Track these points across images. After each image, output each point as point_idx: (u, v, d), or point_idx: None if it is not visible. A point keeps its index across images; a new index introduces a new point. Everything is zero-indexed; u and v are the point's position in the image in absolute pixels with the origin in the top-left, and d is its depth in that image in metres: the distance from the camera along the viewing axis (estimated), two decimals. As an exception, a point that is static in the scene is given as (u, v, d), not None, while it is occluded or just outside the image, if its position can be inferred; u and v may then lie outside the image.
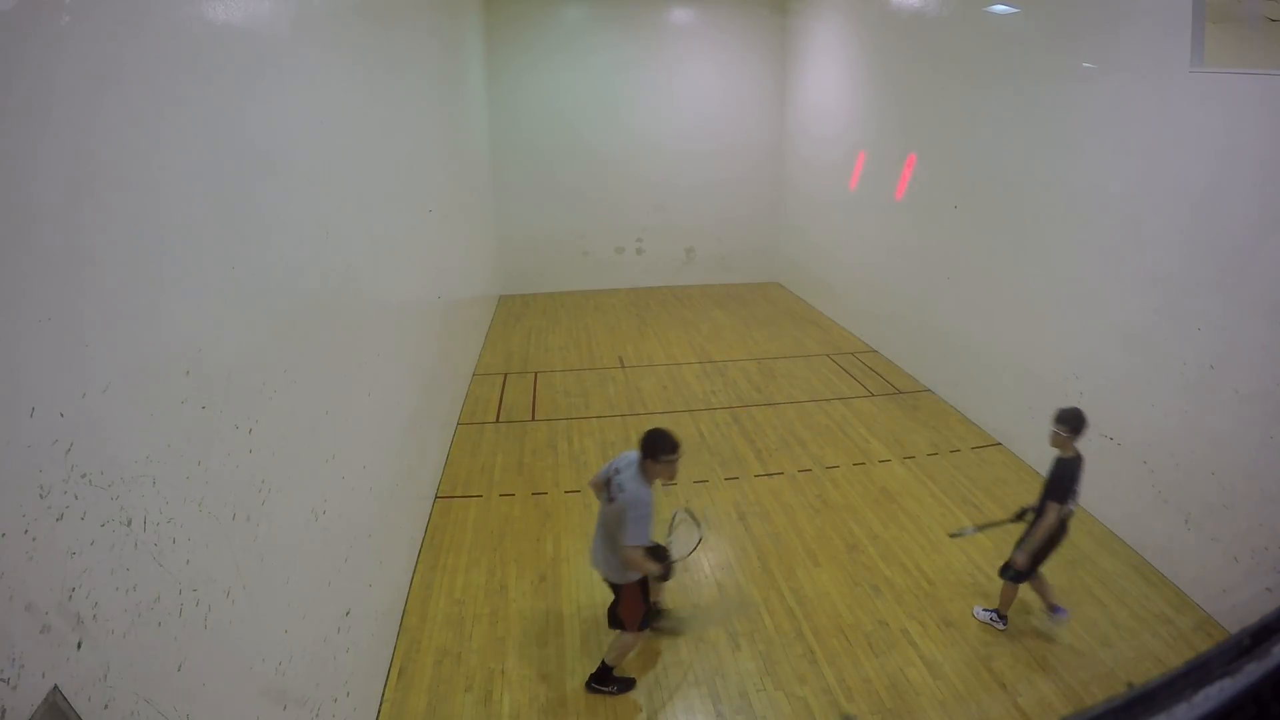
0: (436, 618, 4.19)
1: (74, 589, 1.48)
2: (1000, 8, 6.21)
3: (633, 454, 3.38)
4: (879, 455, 6.13)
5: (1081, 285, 5.27)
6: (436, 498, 5.46)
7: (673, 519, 3.86)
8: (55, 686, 1.39)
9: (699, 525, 3.82)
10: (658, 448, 3.25)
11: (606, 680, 3.62)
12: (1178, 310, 4.44)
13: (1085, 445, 5.27)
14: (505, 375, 8.04)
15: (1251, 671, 0.49)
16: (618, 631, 3.60)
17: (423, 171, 5.71)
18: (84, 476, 1.53)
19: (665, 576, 3.51)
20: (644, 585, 3.50)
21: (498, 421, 6.85)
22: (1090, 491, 5.23)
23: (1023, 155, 5.88)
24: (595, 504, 5.34)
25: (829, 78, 9.83)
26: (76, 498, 1.50)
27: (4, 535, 1.32)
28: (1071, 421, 3.70)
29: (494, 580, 4.54)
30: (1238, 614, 4.00)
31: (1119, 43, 4.81)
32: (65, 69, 1.55)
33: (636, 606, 3.48)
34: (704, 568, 4.66)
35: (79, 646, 1.47)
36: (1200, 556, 4.27)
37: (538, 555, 4.78)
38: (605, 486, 3.42)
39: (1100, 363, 5.11)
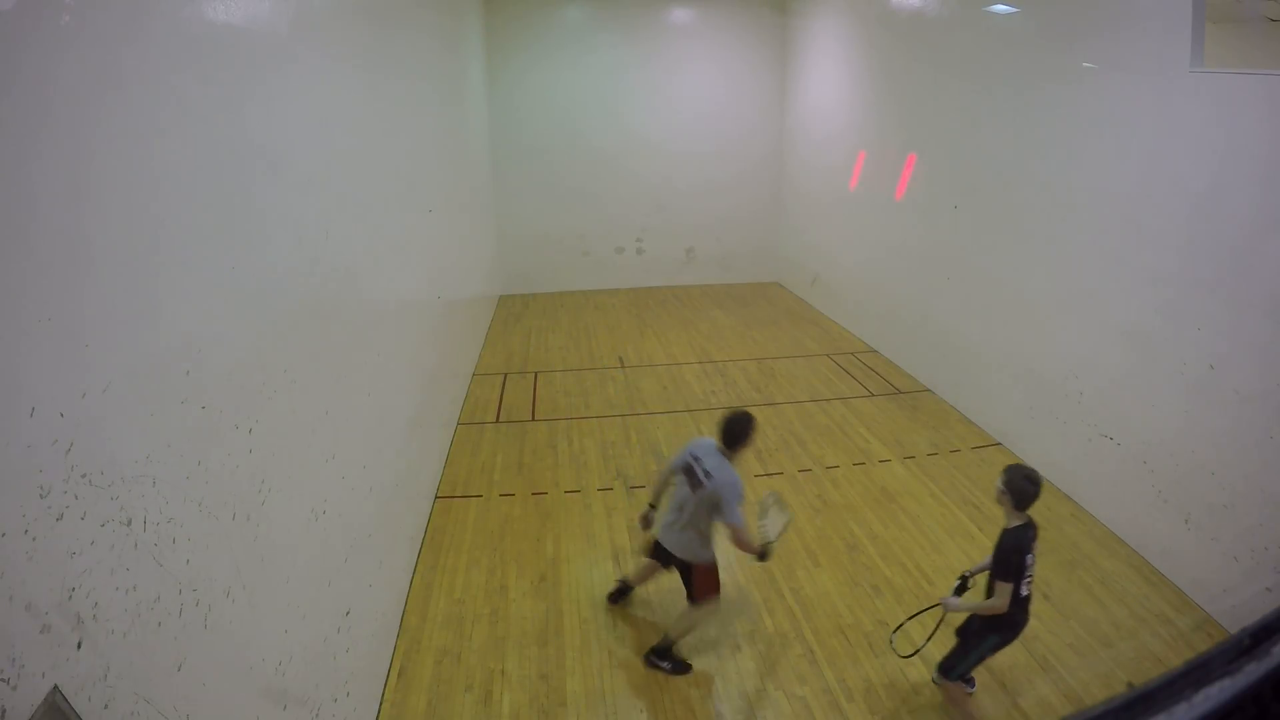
0: (436, 618, 4.19)
1: (74, 589, 1.48)
2: (1000, 8, 6.21)
3: (707, 440, 3.63)
4: (879, 455, 6.13)
5: (1081, 285, 5.27)
6: (436, 498, 5.46)
7: (763, 502, 3.81)
8: (55, 686, 1.39)
9: (786, 509, 3.86)
10: (747, 433, 3.54)
11: (665, 655, 3.76)
12: (1178, 310, 4.44)
13: (1086, 445, 5.31)
14: (505, 375, 8.04)
15: (1251, 671, 0.49)
16: (691, 604, 3.79)
17: (423, 171, 5.71)
18: (84, 476, 1.53)
19: (763, 557, 3.56)
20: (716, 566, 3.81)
21: (498, 421, 6.85)
22: (1090, 491, 5.26)
23: (1023, 155, 5.88)
24: (595, 504, 5.39)
25: (829, 78, 9.83)
26: (76, 498, 1.50)
27: (4, 535, 1.32)
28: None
29: (494, 580, 4.54)
30: (1238, 614, 4.00)
31: (1119, 43, 4.81)
32: (65, 69, 1.55)
33: (713, 582, 3.74)
34: (704, 568, 4.66)
35: (79, 646, 1.47)
36: (1200, 556, 4.27)
37: (538, 555, 4.78)
38: (686, 473, 3.61)
39: (1100, 363, 5.11)
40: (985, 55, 6.36)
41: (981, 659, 3.31)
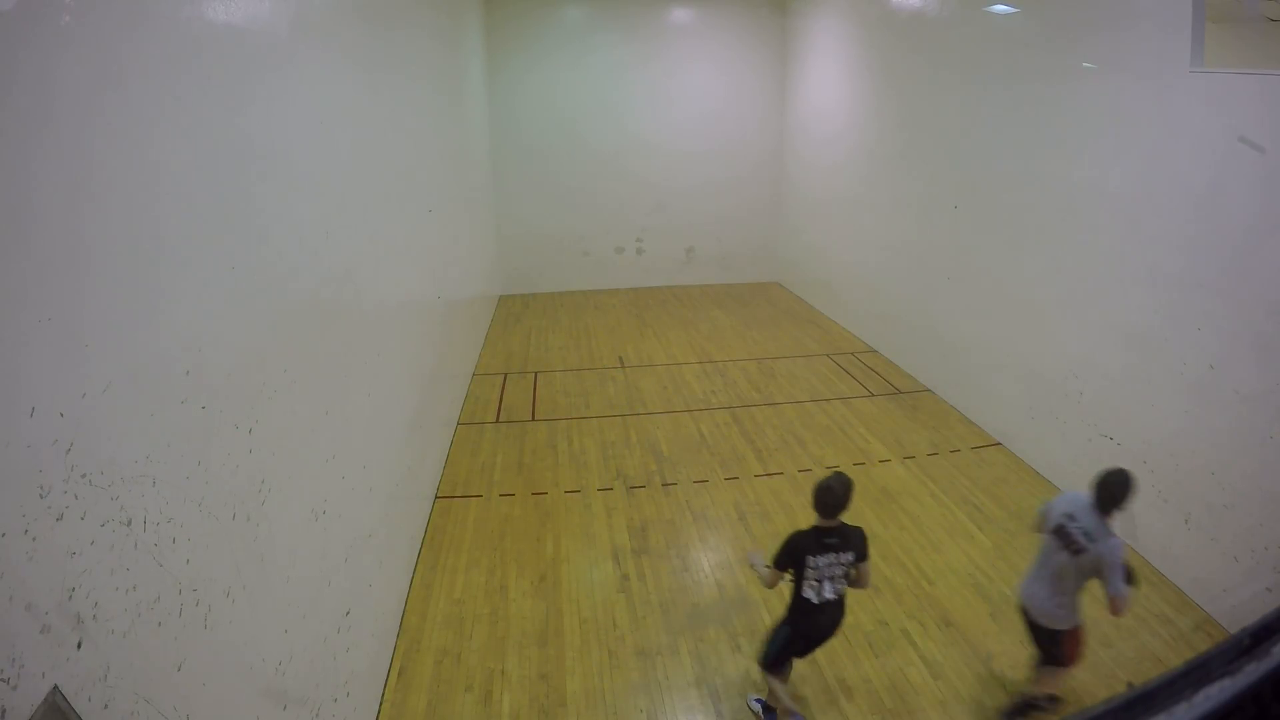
0: (436, 618, 4.19)
1: (74, 589, 1.48)
2: (1000, 7, 6.20)
3: (1078, 496, 3.23)
4: (879, 455, 6.13)
5: (1081, 285, 5.28)
6: (436, 498, 5.46)
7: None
8: (55, 686, 1.39)
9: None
10: (1127, 495, 3.10)
11: (1023, 711, 3.51)
12: (1178, 310, 4.44)
13: (1086, 445, 5.31)
14: (505, 375, 8.04)
15: (1251, 671, 0.49)
16: (1050, 667, 3.45)
17: (423, 171, 5.71)
18: (84, 476, 1.53)
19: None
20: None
21: (498, 421, 6.85)
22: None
23: (1023, 155, 5.88)
24: (595, 504, 5.39)
25: (829, 78, 9.83)
26: (76, 498, 1.50)
27: (4, 535, 1.32)
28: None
29: (494, 580, 4.54)
30: (1238, 614, 4.00)
31: (1119, 43, 4.81)
32: (65, 69, 1.55)
33: (1079, 646, 3.37)
34: (704, 568, 4.67)
35: (79, 646, 1.47)
36: (1200, 556, 4.27)
37: (538, 555, 4.78)
38: (1059, 534, 3.22)
39: (1100, 363, 5.11)
40: (985, 55, 6.36)
41: (779, 650, 3.36)
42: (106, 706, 1.53)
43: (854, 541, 3.22)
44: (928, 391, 7.47)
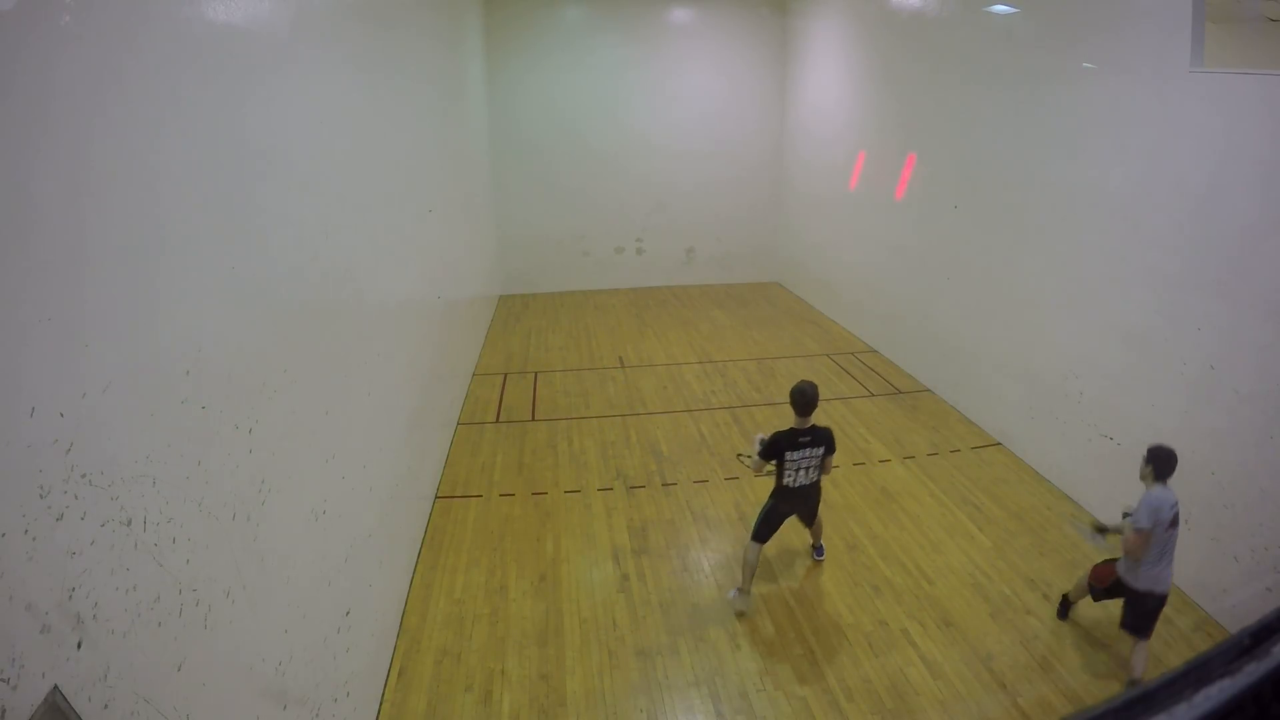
0: (436, 618, 4.19)
1: (74, 589, 1.48)
2: (1000, 8, 6.21)
3: (1163, 491, 3.69)
4: (879, 455, 6.13)
5: (1081, 285, 5.27)
6: (436, 498, 5.46)
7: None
8: (55, 686, 1.39)
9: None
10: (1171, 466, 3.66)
11: None
12: (1178, 310, 4.44)
13: (1086, 445, 5.31)
14: (505, 375, 8.04)
15: (1251, 671, 0.49)
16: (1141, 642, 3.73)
17: (423, 171, 5.71)
18: (84, 476, 1.53)
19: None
20: None
21: (498, 421, 6.85)
22: (1090, 491, 5.26)
23: (1023, 155, 5.88)
24: (595, 504, 5.39)
25: (829, 78, 9.83)
26: (76, 498, 1.50)
27: (4, 535, 1.32)
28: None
29: (494, 580, 4.54)
30: (1238, 614, 4.00)
31: (1119, 43, 4.81)
32: (65, 69, 1.55)
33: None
34: (704, 568, 4.67)
35: (79, 646, 1.47)
36: (1200, 556, 4.27)
37: (538, 555, 4.78)
38: (1174, 521, 3.67)
39: (1100, 363, 5.11)
40: (985, 55, 6.36)
41: (762, 520, 4.24)
42: (106, 706, 1.53)
43: (823, 438, 4.11)
44: (928, 391, 7.47)
